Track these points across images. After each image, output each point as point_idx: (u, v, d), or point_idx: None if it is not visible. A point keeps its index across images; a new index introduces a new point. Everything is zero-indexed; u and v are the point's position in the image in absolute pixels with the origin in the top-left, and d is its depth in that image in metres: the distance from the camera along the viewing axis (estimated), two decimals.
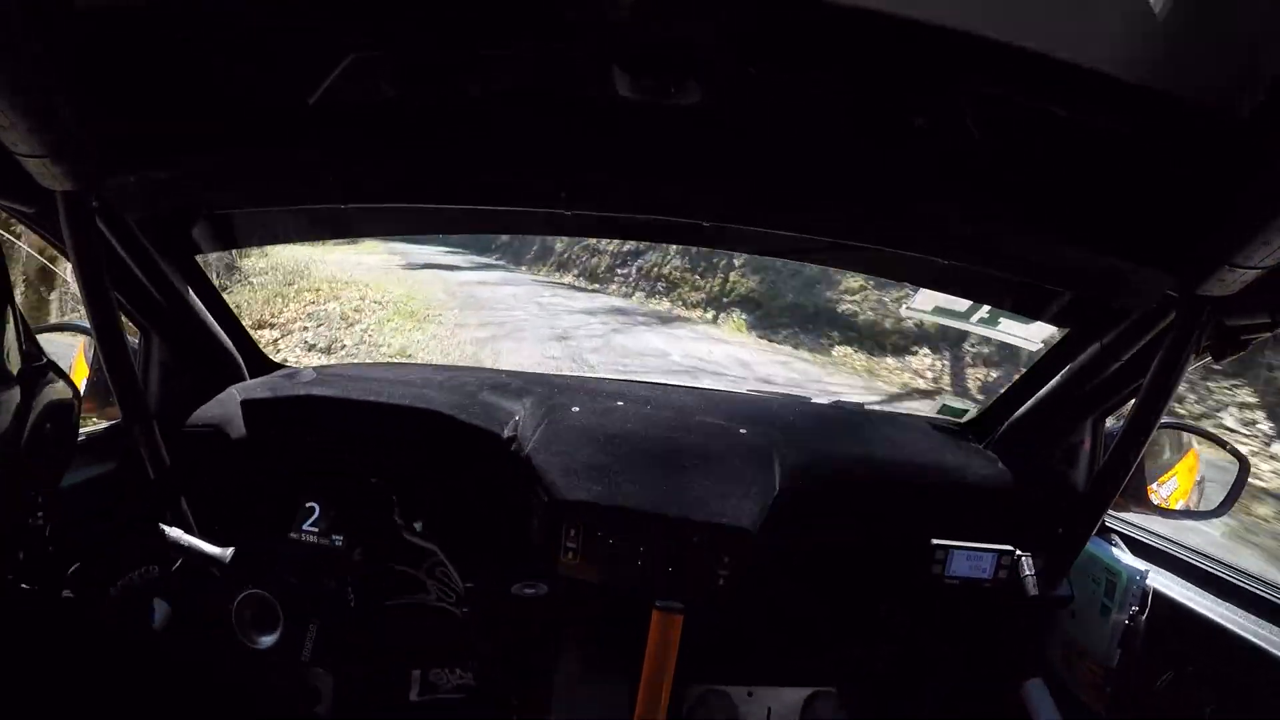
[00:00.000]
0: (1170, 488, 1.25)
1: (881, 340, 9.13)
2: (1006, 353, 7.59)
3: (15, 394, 0.58)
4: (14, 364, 0.59)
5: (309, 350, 7.68)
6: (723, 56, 0.83)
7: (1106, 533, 1.24)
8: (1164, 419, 1.05)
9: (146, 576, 1.16)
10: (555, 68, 0.93)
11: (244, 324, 1.42)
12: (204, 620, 1.18)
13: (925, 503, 1.24)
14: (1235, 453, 1.24)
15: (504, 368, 2.41)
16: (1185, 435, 1.26)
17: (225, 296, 1.42)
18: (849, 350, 9.36)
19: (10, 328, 0.58)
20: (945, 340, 8.41)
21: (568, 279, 16.42)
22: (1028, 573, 1.19)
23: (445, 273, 15.52)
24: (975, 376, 8.00)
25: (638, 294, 13.86)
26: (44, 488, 0.72)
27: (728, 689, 1.28)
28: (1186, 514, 1.25)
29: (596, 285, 15.17)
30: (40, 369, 0.66)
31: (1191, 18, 0.78)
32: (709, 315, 11.81)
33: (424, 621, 1.31)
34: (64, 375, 0.70)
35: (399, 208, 1.30)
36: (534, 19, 0.80)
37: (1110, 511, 1.15)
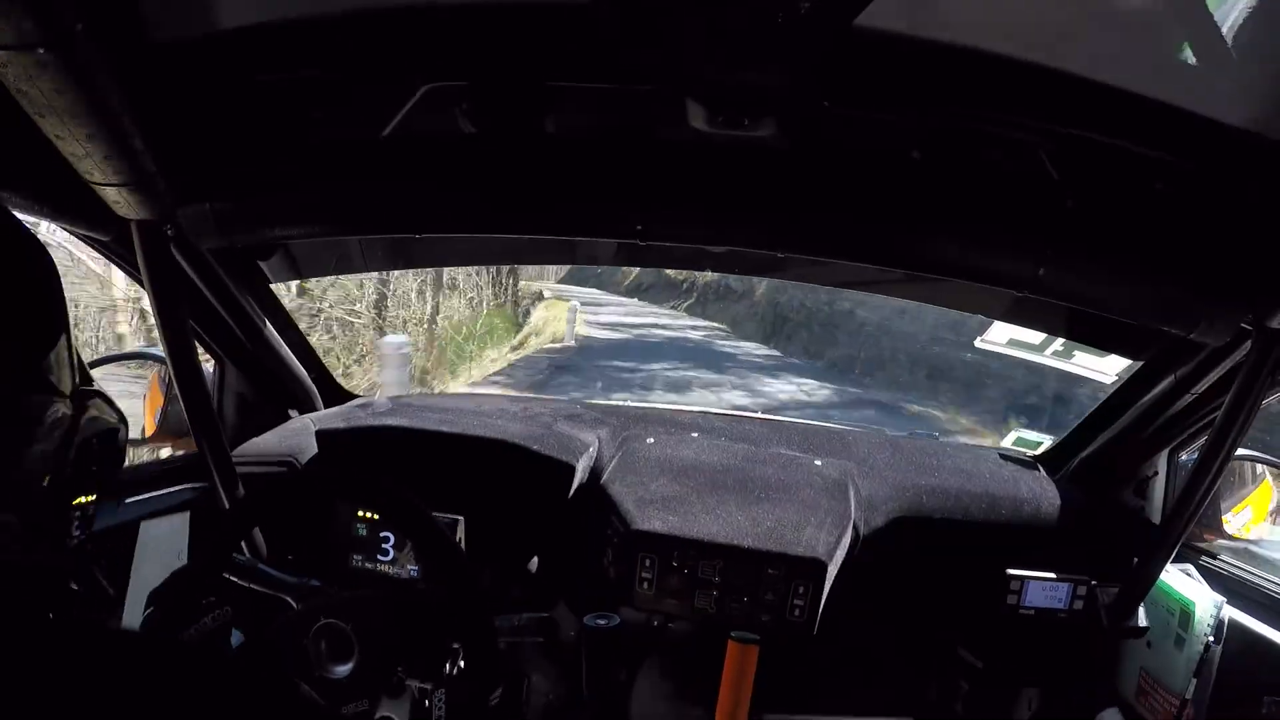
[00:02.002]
0: (1244, 518, 1.26)
1: None
2: None
3: (67, 408, 0.59)
4: (66, 384, 0.60)
5: None
6: (797, 93, 0.84)
7: (1181, 563, 1.24)
8: (1238, 450, 1.06)
9: (219, 619, 1.16)
10: (630, 103, 0.94)
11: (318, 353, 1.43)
12: (278, 650, 1.18)
13: (1000, 534, 1.24)
14: None
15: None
16: (1259, 466, 1.27)
17: None
18: None
19: (65, 348, 0.59)
20: None
21: None
22: (1103, 604, 1.19)
23: None
24: None
25: None
26: (87, 499, 0.72)
27: (804, 719, 1.28)
28: (1261, 544, 1.25)
29: None
30: (91, 393, 0.67)
31: (1266, 52, 0.80)
32: None
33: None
34: (111, 403, 0.71)
35: (472, 238, 1.31)
36: (609, 59, 0.81)
37: (1185, 542, 1.16)
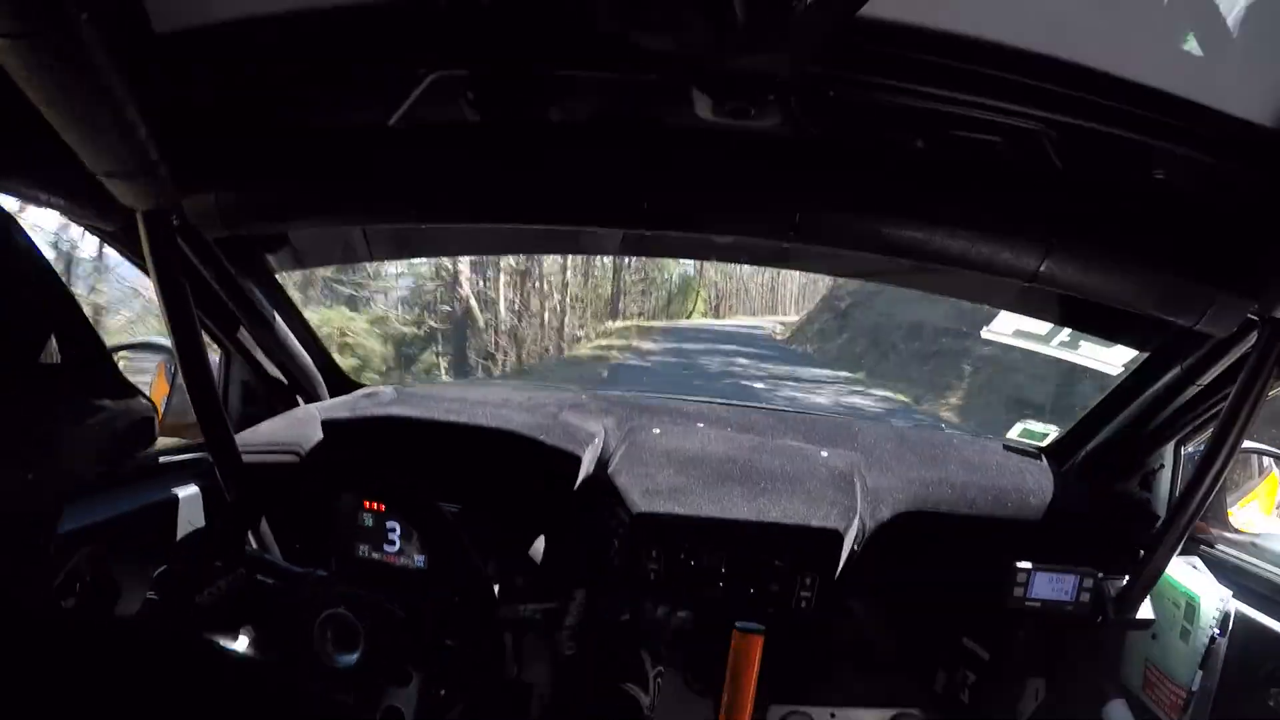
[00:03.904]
0: (1251, 511, 1.26)
1: None
2: None
3: (62, 379, 0.57)
4: (54, 356, 0.58)
5: None
6: (802, 82, 0.83)
7: (1187, 555, 1.24)
8: (1245, 443, 1.06)
9: (235, 582, 1.15)
10: (635, 92, 0.94)
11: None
12: (284, 640, 1.18)
13: (1006, 526, 1.24)
14: None
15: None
16: (1267, 459, 1.27)
17: None
18: None
19: (49, 320, 0.56)
20: None
21: None
22: (1109, 596, 1.19)
23: None
24: None
25: None
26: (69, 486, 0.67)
27: (810, 709, 1.28)
28: (1267, 537, 1.25)
29: None
30: (97, 369, 0.65)
31: (1271, 43, 0.79)
32: None
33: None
34: (134, 388, 0.68)
35: (476, 228, 1.32)
36: (614, 49, 0.81)
37: (1191, 534, 1.16)
